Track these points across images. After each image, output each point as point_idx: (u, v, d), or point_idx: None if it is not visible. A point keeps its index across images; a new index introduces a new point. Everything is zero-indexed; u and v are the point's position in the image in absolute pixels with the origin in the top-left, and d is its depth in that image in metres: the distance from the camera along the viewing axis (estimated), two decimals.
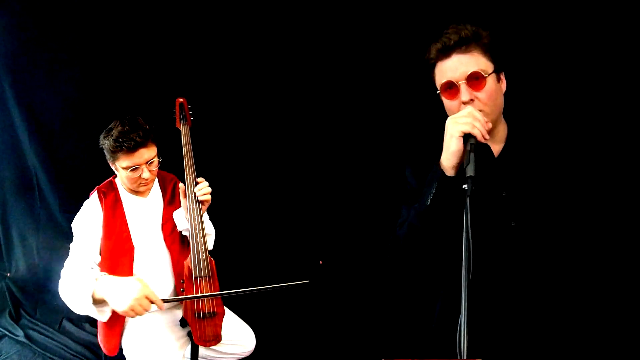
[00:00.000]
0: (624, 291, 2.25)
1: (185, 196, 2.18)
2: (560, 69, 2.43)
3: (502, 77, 1.43)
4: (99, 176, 2.28)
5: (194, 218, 2.15)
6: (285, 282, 1.90)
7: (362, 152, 3.01)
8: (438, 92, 1.41)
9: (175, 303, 2.23)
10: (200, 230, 2.13)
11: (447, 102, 1.39)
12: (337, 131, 3.04)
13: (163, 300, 1.84)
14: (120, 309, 1.76)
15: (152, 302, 1.79)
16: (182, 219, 2.20)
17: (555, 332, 1.40)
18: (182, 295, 2.12)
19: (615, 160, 2.33)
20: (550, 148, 1.44)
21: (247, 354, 2.33)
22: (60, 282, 1.92)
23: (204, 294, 2.10)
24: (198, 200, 2.17)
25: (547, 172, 1.40)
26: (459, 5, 2.48)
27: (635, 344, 2.20)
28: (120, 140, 1.99)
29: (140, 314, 1.77)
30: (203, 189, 2.18)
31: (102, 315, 1.89)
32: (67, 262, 1.98)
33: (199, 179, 2.21)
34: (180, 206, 2.23)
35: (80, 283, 1.84)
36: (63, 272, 1.94)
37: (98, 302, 1.83)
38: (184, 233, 2.24)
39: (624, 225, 2.29)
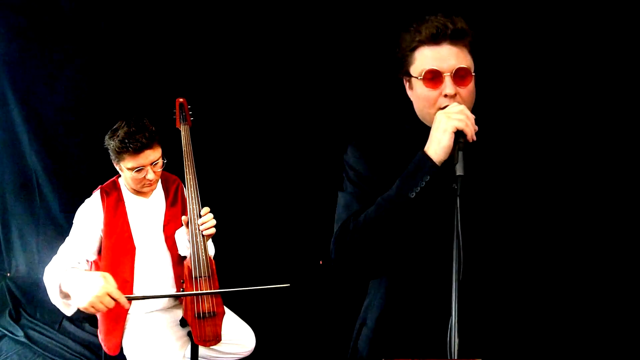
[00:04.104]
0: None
1: (187, 226, 2.11)
2: (527, 69, 2.43)
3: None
4: (99, 176, 2.28)
5: (194, 218, 2.14)
6: (286, 282, 1.90)
7: None
8: (417, 77, 1.32)
9: (175, 302, 2.23)
10: (200, 231, 2.12)
11: (425, 91, 1.32)
12: (337, 129, 3.04)
13: (128, 298, 1.78)
14: (80, 305, 1.71)
15: (114, 300, 1.72)
16: (183, 242, 2.17)
17: (512, 329, 1.39)
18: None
19: (572, 162, 2.34)
20: (506, 148, 1.42)
21: (247, 354, 2.33)
22: (45, 268, 1.90)
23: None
24: (199, 201, 2.16)
25: (498, 171, 1.37)
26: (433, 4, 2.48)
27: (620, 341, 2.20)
28: (126, 141, 1.99)
29: (101, 311, 1.72)
30: (207, 223, 2.10)
31: (67, 309, 1.86)
32: (59, 249, 1.99)
33: (203, 210, 2.12)
34: (180, 209, 2.23)
35: (54, 274, 1.83)
36: (52, 259, 1.95)
37: (66, 296, 1.80)
38: (183, 254, 2.21)
39: (577, 227, 2.31)
